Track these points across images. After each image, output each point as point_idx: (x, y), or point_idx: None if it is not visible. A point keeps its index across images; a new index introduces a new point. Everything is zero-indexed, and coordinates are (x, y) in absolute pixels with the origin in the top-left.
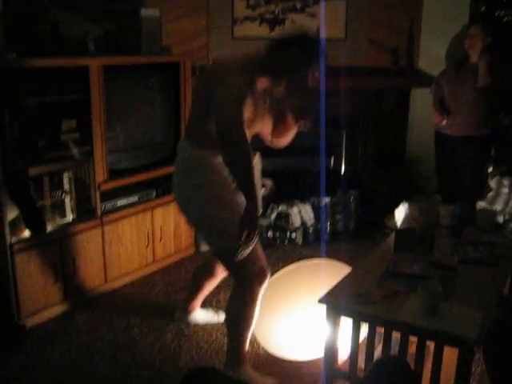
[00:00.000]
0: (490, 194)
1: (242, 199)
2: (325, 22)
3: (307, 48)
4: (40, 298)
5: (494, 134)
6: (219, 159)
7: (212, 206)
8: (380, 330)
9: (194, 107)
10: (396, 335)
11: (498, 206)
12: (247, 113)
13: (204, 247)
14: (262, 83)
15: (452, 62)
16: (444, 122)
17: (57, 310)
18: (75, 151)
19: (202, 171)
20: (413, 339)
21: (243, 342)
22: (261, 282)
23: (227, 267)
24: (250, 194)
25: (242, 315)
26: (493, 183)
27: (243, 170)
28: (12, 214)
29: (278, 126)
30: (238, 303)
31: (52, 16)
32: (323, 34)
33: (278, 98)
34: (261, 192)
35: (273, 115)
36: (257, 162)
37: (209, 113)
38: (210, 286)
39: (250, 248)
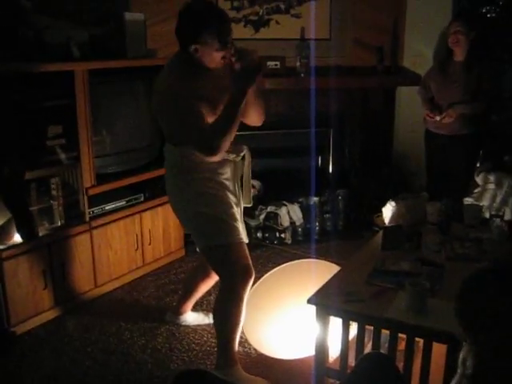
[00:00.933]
0: (477, 190)
1: (230, 198)
2: (310, 23)
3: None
4: (30, 305)
5: (484, 132)
6: (200, 157)
7: (198, 203)
8: (369, 328)
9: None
10: (386, 332)
11: (485, 202)
12: (204, 104)
13: None
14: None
15: (436, 61)
16: (438, 118)
17: (47, 315)
18: (62, 157)
19: (187, 168)
20: (402, 336)
21: (232, 342)
22: (245, 281)
23: (212, 266)
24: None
25: (229, 315)
26: (479, 179)
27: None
28: (0, 220)
29: None
30: (224, 303)
31: (35, 22)
32: (309, 35)
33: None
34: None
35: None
36: (246, 155)
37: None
38: (204, 287)
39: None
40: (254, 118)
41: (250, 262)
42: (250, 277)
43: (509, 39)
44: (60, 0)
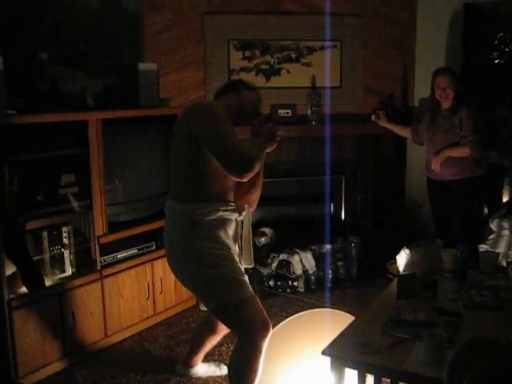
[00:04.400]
0: (492, 237)
1: (233, 255)
2: (320, 72)
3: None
4: (38, 356)
5: (482, 177)
6: (205, 214)
7: (203, 264)
8: (386, 381)
9: (171, 162)
10: None
11: (500, 249)
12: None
13: (203, 306)
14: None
15: (426, 110)
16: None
17: (56, 366)
18: (74, 205)
19: (189, 229)
20: None
21: None
22: (263, 336)
23: (227, 325)
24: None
25: (245, 371)
26: (493, 226)
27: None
28: (10, 269)
29: None
30: (241, 359)
31: (51, 73)
32: (319, 83)
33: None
34: (261, 241)
35: None
36: (246, 213)
37: (180, 161)
38: (211, 343)
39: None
40: (251, 200)
41: (265, 314)
42: (268, 330)
43: None
44: (76, 51)
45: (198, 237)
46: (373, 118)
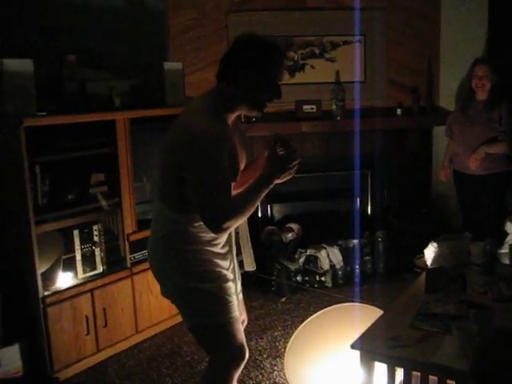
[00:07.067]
0: (509, 238)
1: (225, 271)
2: (344, 67)
3: (260, 52)
4: (72, 351)
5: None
6: (198, 226)
7: (190, 278)
8: (416, 374)
9: (162, 167)
10: (433, 379)
11: None
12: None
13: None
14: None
15: (459, 102)
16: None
17: (89, 361)
18: (104, 203)
19: (180, 239)
20: (451, 382)
21: None
22: (238, 365)
23: (202, 345)
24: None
25: None
26: (508, 228)
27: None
28: (43, 266)
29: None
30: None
31: (79, 75)
32: (344, 78)
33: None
34: (288, 236)
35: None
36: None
37: (182, 177)
38: None
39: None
40: None
41: (244, 339)
42: (244, 358)
43: None
44: (102, 52)
45: (189, 248)
46: (442, 177)
